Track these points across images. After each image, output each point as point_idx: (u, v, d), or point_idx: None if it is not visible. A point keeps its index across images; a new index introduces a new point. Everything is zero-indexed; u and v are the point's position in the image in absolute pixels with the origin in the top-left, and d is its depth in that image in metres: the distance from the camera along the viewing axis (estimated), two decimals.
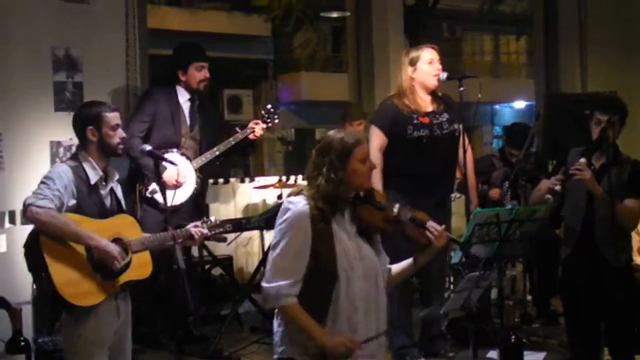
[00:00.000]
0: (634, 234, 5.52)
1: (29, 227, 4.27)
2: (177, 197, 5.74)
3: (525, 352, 4.57)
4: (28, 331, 5.28)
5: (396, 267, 3.76)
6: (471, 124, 6.00)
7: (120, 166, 6.15)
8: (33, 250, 4.05)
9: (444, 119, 5.60)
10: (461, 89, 5.51)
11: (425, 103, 5.61)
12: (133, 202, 5.98)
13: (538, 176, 6.68)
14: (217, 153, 6.18)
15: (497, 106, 25.14)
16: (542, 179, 5.46)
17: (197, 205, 6.35)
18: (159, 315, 6.38)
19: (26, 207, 4.04)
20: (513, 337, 4.28)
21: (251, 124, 6.32)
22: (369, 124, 5.91)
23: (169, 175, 5.88)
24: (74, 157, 4.33)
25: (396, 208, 3.64)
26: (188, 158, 6.09)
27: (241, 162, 20.18)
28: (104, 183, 4.32)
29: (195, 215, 6.30)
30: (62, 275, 4.03)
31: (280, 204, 3.62)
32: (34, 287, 5.73)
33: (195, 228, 4.54)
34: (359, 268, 3.52)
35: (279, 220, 3.50)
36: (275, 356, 3.57)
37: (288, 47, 22.09)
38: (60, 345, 4.29)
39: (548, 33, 9.00)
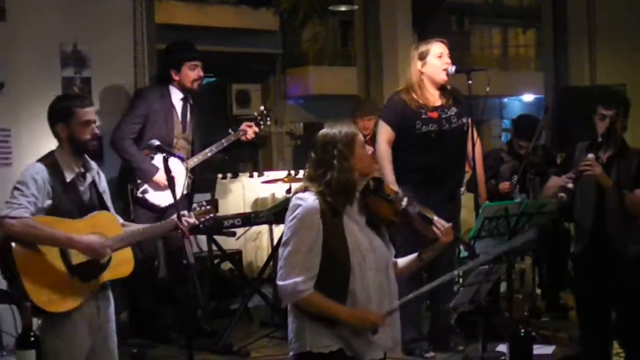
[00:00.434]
0: None
1: None
2: (168, 198, 5.76)
3: (534, 346, 4.58)
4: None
5: (401, 261, 3.79)
6: (480, 117, 5.98)
7: (113, 167, 6.23)
8: (4, 258, 3.98)
9: (453, 113, 5.59)
10: (469, 82, 5.50)
11: (434, 97, 5.60)
12: (126, 203, 5.99)
13: (546, 169, 6.68)
14: (210, 154, 6.17)
15: (505, 99, 25.06)
16: (550, 173, 5.46)
17: (190, 205, 6.36)
18: (167, 310, 6.40)
19: (0, 219, 3.95)
20: (522, 330, 4.29)
21: (243, 126, 6.29)
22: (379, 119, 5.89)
23: (159, 176, 5.89)
24: (50, 154, 4.24)
25: (404, 201, 3.65)
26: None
27: (250, 156, 20.20)
28: (81, 179, 4.24)
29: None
30: (35, 282, 3.97)
31: (289, 199, 3.64)
32: None
33: (182, 218, 4.45)
34: (371, 259, 3.56)
35: (289, 217, 3.52)
36: (291, 352, 3.58)
37: (296, 41, 22.06)
38: None
39: (557, 26, 8.99)
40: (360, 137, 3.65)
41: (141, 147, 6.01)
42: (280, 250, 3.54)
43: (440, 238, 3.66)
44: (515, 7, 18.00)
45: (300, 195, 3.55)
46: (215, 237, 6.69)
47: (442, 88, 5.63)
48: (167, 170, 4.48)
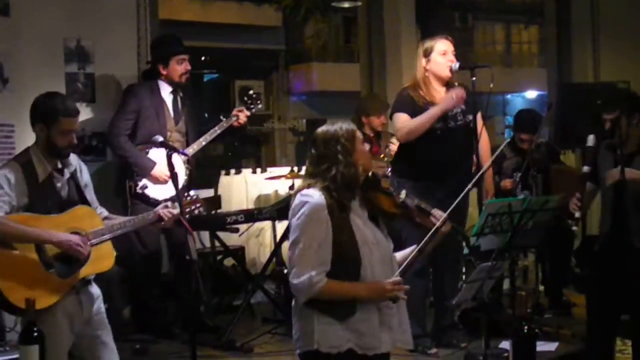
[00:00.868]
0: None
1: None
2: (168, 191, 5.77)
3: (537, 343, 4.57)
4: None
5: (400, 254, 3.80)
6: (483, 113, 6.00)
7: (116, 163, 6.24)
8: None
9: (458, 111, 5.59)
10: (473, 78, 5.49)
11: (440, 94, 5.60)
12: (125, 200, 5.99)
13: (549, 166, 6.69)
14: (204, 143, 6.17)
15: (508, 96, 25.05)
16: (553, 169, 5.48)
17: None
18: (170, 306, 6.40)
19: None
20: (525, 327, 4.28)
21: (235, 111, 6.31)
22: (388, 115, 5.87)
23: (158, 170, 5.90)
24: (26, 151, 4.22)
25: (402, 194, 3.70)
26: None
27: (253, 153, 20.22)
28: (57, 175, 4.22)
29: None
30: (10, 280, 3.95)
31: (292, 195, 3.64)
32: None
33: (165, 209, 4.44)
34: (376, 253, 3.58)
35: (296, 215, 3.50)
36: (298, 351, 3.59)
37: (299, 38, 22.06)
38: None
39: (560, 22, 8.99)
40: (359, 133, 3.68)
41: (135, 143, 6.03)
42: (290, 249, 3.52)
43: (438, 228, 3.69)
44: (519, 4, 18.00)
45: (305, 192, 3.53)
46: (218, 233, 6.69)
47: (448, 85, 5.63)
48: (171, 167, 4.48)
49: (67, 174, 4.26)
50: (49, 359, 3.54)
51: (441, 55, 5.54)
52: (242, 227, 6.82)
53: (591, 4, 8.67)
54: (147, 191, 6.00)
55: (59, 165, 4.23)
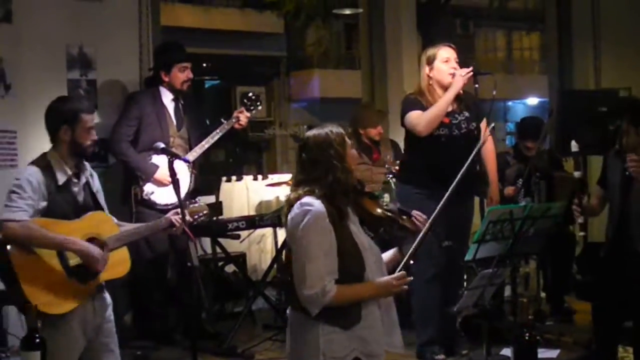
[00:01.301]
0: None
1: None
2: (173, 196, 5.77)
3: (539, 350, 4.57)
4: None
5: (384, 256, 3.79)
6: (486, 120, 6.01)
7: (118, 169, 6.25)
8: (2, 262, 4.00)
9: (463, 118, 5.59)
10: (475, 85, 5.50)
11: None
12: (130, 205, 6.00)
13: (551, 173, 6.69)
14: (207, 146, 6.20)
15: (510, 103, 25.08)
16: (555, 176, 5.49)
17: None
18: (171, 312, 6.41)
19: (1, 223, 3.96)
20: (527, 334, 4.29)
21: (235, 113, 6.32)
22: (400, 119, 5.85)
23: (161, 173, 5.92)
24: (43, 156, 4.23)
25: (386, 198, 3.72)
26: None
27: (254, 159, 20.21)
28: (75, 180, 4.24)
29: None
30: (33, 284, 3.98)
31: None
32: None
33: (176, 215, 4.46)
34: (371, 257, 3.58)
35: (299, 226, 3.44)
36: None
37: (301, 44, 22.10)
38: None
39: (561, 29, 8.98)
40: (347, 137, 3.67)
41: (138, 150, 6.05)
42: (296, 261, 3.45)
43: (419, 230, 3.73)
44: (520, 10, 18.00)
45: (304, 201, 3.47)
46: (220, 239, 6.69)
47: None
48: (173, 173, 4.49)
49: (83, 179, 4.29)
50: None
51: (444, 63, 5.54)
52: (244, 233, 6.82)
53: (592, 11, 8.67)
54: (152, 197, 6.01)
55: (75, 170, 4.26)
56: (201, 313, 6.40)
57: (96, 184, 4.39)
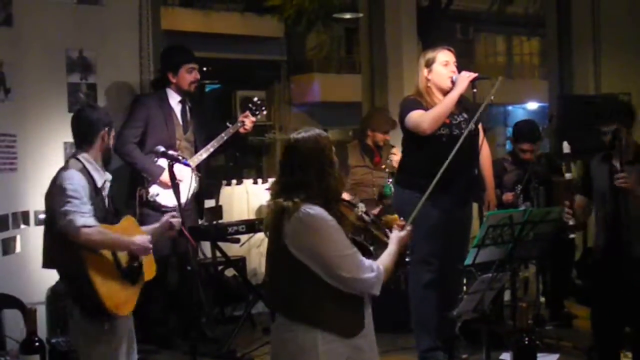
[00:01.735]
0: None
1: (42, 229, 4.32)
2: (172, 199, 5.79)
3: (538, 355, 4.55)
4: (42, 332, 5.30)
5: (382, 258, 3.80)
6: (484, 125, 6.00)
7: (120, 173, 6.25)
8: (76, 268, 4.08)
9: (462, 119, 5.59)
10: (474, 90, 5.50)
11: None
12: (134, 206, 6.00)
13: (550, 178, 6.69)
14: (212, 150, 6.23)
15: (510, 107, 25.10)
16: (554, 181, 5.50)
17: (199, 204, 6.41)
18: (171, 316, 6.40)
19: (76, 229, 4.02)
20: (526, 339, 4.27)
21: (240, 117, 6.35)
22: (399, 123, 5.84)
23: (167, 176, 5.92)
24: (76, 161, 4.28)
25: (361, 207, 3.72)
26: (184, 159, 6.07)
27: (254, 163, 20.22)
28: (104, 184, 4.36)
29: (199, 215, 6.35)
30: (105, 286, 4.10)
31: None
32: (49, 287, 5.78)
33: (174, 219, 4.56)
34: None
35: (318, 230, 3.39)
36: None
37: (301, 49, 22.11)
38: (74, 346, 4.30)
39: (561, 34, 8.99)
40: None
41: (145, 152, 6.05)
42: (337, 259, 3.41)
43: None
44: (520, 15, 17.97)
45: (308, 207, 3.42)
46: (220, 243, 6.69)
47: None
48: (173, 177, 4.51)
49: (107, 184, 4.40)
50: None
51: (443, 66, 5.54)
52: (243, 237, 6.82)
53: (592, 16, 8.67)
54: (158, 199, 6.02)
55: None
56: (201, 317, 6.40)
57: (108, 188, 4.47)
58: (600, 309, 5.09)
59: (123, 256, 4.24)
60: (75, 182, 4.14)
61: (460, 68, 5.61)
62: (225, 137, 6.23)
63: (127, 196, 6.10)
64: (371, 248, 3.71)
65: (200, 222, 6.52)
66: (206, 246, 7.11)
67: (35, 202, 5.60)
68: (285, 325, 3.51)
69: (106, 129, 4.36)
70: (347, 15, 12.23)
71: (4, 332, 5.50)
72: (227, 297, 7.13)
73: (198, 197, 6.33)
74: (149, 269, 4.46)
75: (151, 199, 6.02)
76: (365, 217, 3.72)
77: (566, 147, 5.18)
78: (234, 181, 8.06)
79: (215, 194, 7.53)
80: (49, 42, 6.14)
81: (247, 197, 7.97)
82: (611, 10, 8.56)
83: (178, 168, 4.84)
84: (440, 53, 5.58)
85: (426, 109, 5.46)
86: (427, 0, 13.96)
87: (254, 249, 7.78)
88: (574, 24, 8.88)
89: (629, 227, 4.89)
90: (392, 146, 7.25)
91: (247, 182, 8.17)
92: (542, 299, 7.01)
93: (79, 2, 6.30)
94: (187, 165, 5.06)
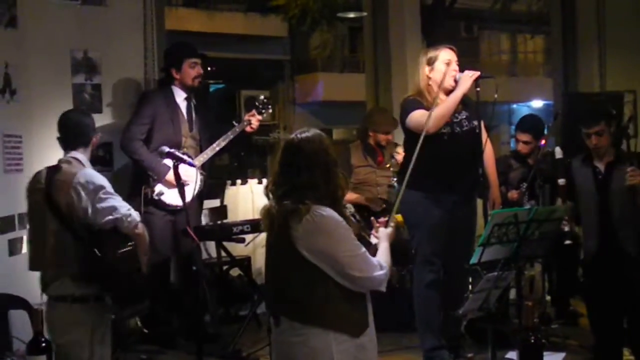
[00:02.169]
0: None
1: None
2: (178, 198, 5.81)
3: (544, 353, 4.55)
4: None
5: (379, 255, 3.82)
6: (488, 123, 6.00)
7: (122, 173, 6.28)
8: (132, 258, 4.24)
9: (463, 117, 5.59)
10: (477, 89, 5.49)
11: (442, 102, 5.59)
12: (138, 204, 6.02)
13: (555, 176, 6.69)
14: (217, 149, 6.24)
15: (514, 105, 25.06)
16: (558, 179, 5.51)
17: (201, 204, 6.42)
18: (175, 316, 6.41)
19: (136, 223, 4.21)
20: (532, 337, 4.27)
21: (247, 116, 6.36)
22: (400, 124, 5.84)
23: (172, 175, 5.93)
24: (77, 160, 4.35)
25: (350, 208, 3.75)
26: (189, 157, 6.06)
27: (258, 163, 20.22)
28: None
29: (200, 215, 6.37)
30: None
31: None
32: None
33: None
34: None
35: (322, 233, 3.39)
36: None
37: (305, 48, 22.11)
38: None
39: (566, 32, 8.97)
40: None
41: (151, 150, 6.06)
42: (349, 258, 3.42)
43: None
44: (524, 13, 17.97)
45: (319, 209, 3.41)
46: (225, 243, 6.70)
47: (450, 94, 5.63)
48: (178, 177, 4.51)
49: None
50: None
51: (445, 65, 5.53)
52: (248, 237, 6.82)
53: (597, 14, 8.66)
54: (163, 197, 6.03)
55: None
56: (204, 317, 6.40)
57: None
58: (598, 310, 5.11)
59: None
60: (102, 179, 4.26)
61: (464, 66, 5.60)
62: (232, 136, 6.25)
63: (128, 194, 6.11)
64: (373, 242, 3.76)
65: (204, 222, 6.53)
66: (211, 246, 7.12)
67: None
68: (294, 329, 3.47)
69: (98, 135, 4.46)
70: (351, 14, 12.23)
71: (10, 333, 5.51)
72: (232, 296, 7.13)
73: (200, 196, 6.33)
74: None
75: (156, 197, 6.04)
76: (353, 219, 3.75)
77: (558, 152, 5.20)
78: (238, 181, 8.06)
79: (219, 193, 7.53)
80: (53, 43, 6.16)
81: (252, 197, 7.97)
82: (616, 7, 8.54)
83: (183, 168, 4.85)
84: (442, 51, 5.57)
85: (427, 108, 5.45)
86: None
87: (259, 249, 7.77)
88: (578, 22, 8.86)
89: (620, 227, 4.92)
90: (396, 144, 7.24)
91: (252, 182, 8.17)
92: (548, 298, 7.00)
93: (83, 3, 6.32)
94: (192, 165, 5.07)
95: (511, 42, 26.64)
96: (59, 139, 4.49)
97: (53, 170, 4.33)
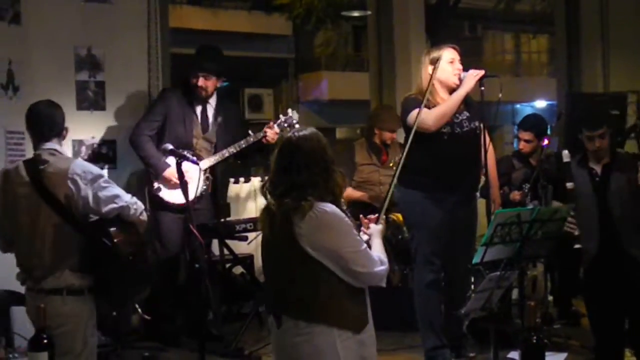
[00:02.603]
0: None
1: None
2: (179, 197, 5.81)
3: (546, 353, 4.55)
4: None
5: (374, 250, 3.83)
6: (492, 123, 6.00)
7: (125, 171, 6.29)
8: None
9: (464, 117, 5.57)
10: (482, 88, 5.48)
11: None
12: (145, 201, 6.04)
13: (559, 177, 6.68)
14: (227, 155, 6.18)
15: (518, 105, 25.02)
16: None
17: (215, 204, 6.39)
18: (179, 314, 6.41)
19: (142, 209, 4.34)
20: (534, 337, 4.27)
21: (265, 128, 6.20)
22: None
23: (169, 172, 5.93)
24: (57, 152, 4.35)
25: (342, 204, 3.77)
26: (199, 158, 6.03)
27: (262, 161, 20.21)
28: None
29: (214, 215, 6.33)
30: None
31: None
32: None
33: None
34: None
35: (325, 229, 3.40)
36: None
37: (309, 46, 22.10)
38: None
39: (570, 32, 8.97)
40: None
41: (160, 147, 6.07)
42: (353, 254, 3.44)
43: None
44: (528, 13, 17.96)
45: (321, 205, 3.42)
46: (227, 241, 6.69)
47: (452, 93, 5.62)
48: (181, 175, 4.51)
49: None
50: None
51: (449, 64, 5.52)
52: (251, 235, 6.82)
53: (601, 14, 8.65)
54: (161, 194, 6.04)
55: None
56: (207, 315, 6.40)
57: None
58: (598, 312, 5.11)
59: None
60: (98, 168, 4.33)
61: (468, 66, 5.59)
62: (244, 145, 6.16)
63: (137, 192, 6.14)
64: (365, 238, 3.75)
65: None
66: (214, 244, 7.11)
67: None
68: (298, 328, 3.46)
69: (67, 128, 4.44)
70: (355, 13, 12.23)
71: (12, 329, 5.51)
72: (234, 294, 7.13)
73: (214, 197, 6.31)
74: None
75: (154, 193, 6.04)
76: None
77: (566, 156, 5.17)
78: (241, 179, 8.05)
79: (222, 191, 7.53)
80: (57, 39, 6.16)
81: (255, 195, 7.97)
82: (620, 8, 8.54)
83: (186, 167, 4.83)
84: (445, 51, 5.56)
85: (428, 107, 5.45)
86: None
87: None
88: (582, 22, 8.86)
89: (621, 228, 4.92)
90: (400, 143, 7.24)
91: (255, 180, 8.16)
92: (550, 298, 6.99)
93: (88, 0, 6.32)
94: (195, 163, 5.05)
95: (515, 42, 26.61)
96: (31, 132, 4.42)
97: (35, 163, 4.28)
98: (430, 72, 5.53)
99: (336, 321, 3.43)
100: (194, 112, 6.22)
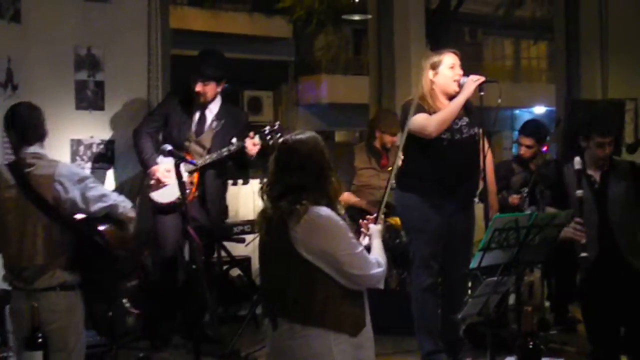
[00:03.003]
0: None
1: None
2: (163, 196, 5.93)
3: (542, 359, 4.55)
4: None
5: (374, 251, 3.83)
6: (491, 129, 6.00)
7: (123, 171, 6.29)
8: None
9: (464, 123, 5.57)
10: (481, 93, 5.48)
11: (445, 107, 5.58)
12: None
13: (558, 183, 6.68)
14: (208, 161, 6.07)
15: (517, 111, 25.06)
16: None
17: (205, 209, 6.35)
18: (175, 315, 6.40)
19: (129, 207, 4.40)
20: (530, 343, 4.26)
21: (248, 142, 6.01)
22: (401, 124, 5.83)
23: (154, 169, 5.95)
24: (43, 155, 4.34)
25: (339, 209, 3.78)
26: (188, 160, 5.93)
27: (260, 163, 20.21)
28: None
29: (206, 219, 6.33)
30: None
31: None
32: None
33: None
34: None
35: (321, 232, 3.40)
36: None
37: (309, 49, 22.12)
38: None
39: (569, 38, 8.97)
40: None
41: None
42: (349, 256, 3.43)
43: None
44: (528, 19, 18.00)
45: (317, 208, 3.42)
46: (225, 243, 6.69)
47: (453, 99, 5.62)
48: (179, 176, 4.52)
49: None
50: None
51: (449, 69, 5.52)
52: (249, 237, 6.82)
53: (600, 21, 8.65)
54: (151, 194, 6.03)
55: None
56: (204, 316, 6.39)
57: None
58: (595, 320, 5.10)
59: None
60: (83, 170, 4.39)
61: (468, 71, 5.59)
62: (226, 154, 6.06)
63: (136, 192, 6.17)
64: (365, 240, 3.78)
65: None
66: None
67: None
68: (293, 332, 3.46)
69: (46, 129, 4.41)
70: (356, 17, 12.22)
71: (6, 328, 5.50)
72: (231, 296, 7.12)
73: (203, 202, 6.27)
74: None
75: (146, 191, 6.07)
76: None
77: (578, 163, 5.11)
78: (240, 181, 8.05)
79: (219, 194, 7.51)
80: (57, 38, 6.15)
81: (253, 197, 7.95)
82: (619, 15, 8.54)
83: (168, 166, 4.88)
84: (446, 56, 5.56)
85: (428, 112, 5.45)
86: (436, 3, 13.96)
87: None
88: (581, 28, 8.86)
89: (620, 235, 4.92)
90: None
91: (254, 182, 8.15)
92: (547, 303, 7.00)
93: None
94: (193, 164, 5.08)
95: (515, 48, 26.67)
96: (12, 134, 4.34)
97: (19, 166, 4.26)
98: (431, 77, 5.53)
99: (332, 324, 3.43)
100: (191, 116, 6.20)
